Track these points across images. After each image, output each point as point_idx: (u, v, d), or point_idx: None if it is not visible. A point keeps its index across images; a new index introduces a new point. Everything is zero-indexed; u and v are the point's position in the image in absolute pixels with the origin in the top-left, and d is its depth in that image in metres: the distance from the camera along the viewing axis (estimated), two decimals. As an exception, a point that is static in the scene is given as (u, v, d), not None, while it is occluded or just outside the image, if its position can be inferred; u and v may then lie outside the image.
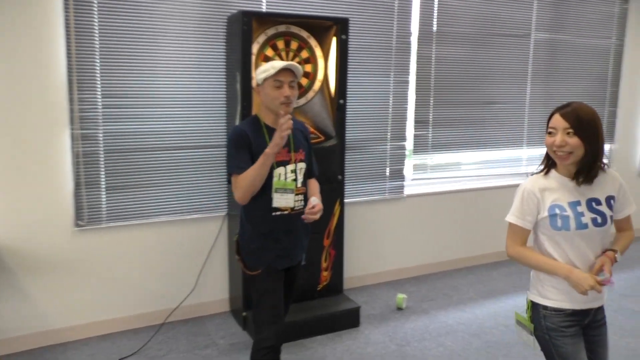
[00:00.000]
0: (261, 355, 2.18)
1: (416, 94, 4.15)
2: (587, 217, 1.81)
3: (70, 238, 3.15)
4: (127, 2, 3.10)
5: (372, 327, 3.44)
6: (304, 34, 3.29)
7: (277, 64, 2.18)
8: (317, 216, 2.23)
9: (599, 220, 1.83)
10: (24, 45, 2.89)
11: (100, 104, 3.11)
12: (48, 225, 3.08)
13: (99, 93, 3.10)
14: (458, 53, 4.26)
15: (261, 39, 3.17)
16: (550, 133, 1.82)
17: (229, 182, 2.25)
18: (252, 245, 2.27)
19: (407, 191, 4.23)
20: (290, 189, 2.24)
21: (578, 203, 1.83)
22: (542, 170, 1.92)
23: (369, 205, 4.08)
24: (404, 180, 4.19)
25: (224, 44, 3.38)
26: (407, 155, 4.20)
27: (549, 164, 1.90)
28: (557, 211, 1.82)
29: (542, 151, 4.88)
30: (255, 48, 3.14)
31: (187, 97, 3.34)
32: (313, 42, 3.33)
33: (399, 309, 3.72)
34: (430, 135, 4.26)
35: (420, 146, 4.24)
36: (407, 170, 4.23)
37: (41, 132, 3.00)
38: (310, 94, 3.38)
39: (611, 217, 1.87)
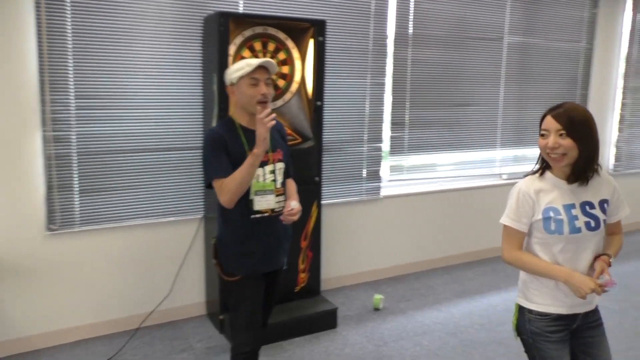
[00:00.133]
0: None
1: (392, 95, 4.18)
2: (581, 220, 1.78)
3: (42, 242, 3.08)
4: (101, 1, 3.04)
5: (349, 328, 3.45)
6: (281, 35, 3.29)
7: (253, 62, 2.13)
8: (296, 217, 2.19)
9: (592, 224, 1.80)
10: (-7, 44, 2.82)
11: (73, 105, 3.05)
12: (19, 229, 3.01)
13: (72, 94, 3.04)
14: (433, 56, 4.31)
15: (238, 40, 3.16)
16: (542, 135, 1.78)
17: (208, 187, 2.16)
18: (231, 249, 2.21)
19: (384, 192, 4.26)
20: (270, 190, 2.18)
21: (572, 206, 1.79)
22: (537, 172, 1.88)
23: (346, 207, 4.10)
24: (380, 182, 4.22)
25: (201, 45, 3.35)
26: (384, 157, 4.23)
27: (544, 165, 1.86)
28: (552, 214, 1.78)
29: (515, 152, 4.98)
30: (232, 49, 3.12)
31: (162, 99, 3.30)
32: (290, 43, 3.33)
33: (376, 309, 3.74)
34: (406, 136, 4.30)
35: (397, 147, 4.28)
36: (384, 171, 4.26)
37: (11, 133, 2.92)
38: (288, 96, 3.38)
39: (604, 221, 1.83)
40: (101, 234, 3.24)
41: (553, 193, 1.81)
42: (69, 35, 2.99)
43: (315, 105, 3.39)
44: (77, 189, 3.12)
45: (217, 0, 3.36)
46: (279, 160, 2.25)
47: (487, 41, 4.56)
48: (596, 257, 1.83)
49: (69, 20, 2.97)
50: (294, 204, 2.19)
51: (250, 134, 2.15)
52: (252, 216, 2.17)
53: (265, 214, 2.19)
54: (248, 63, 2.12)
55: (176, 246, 3.47)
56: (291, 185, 2.36)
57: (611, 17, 5.29)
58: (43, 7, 2.90)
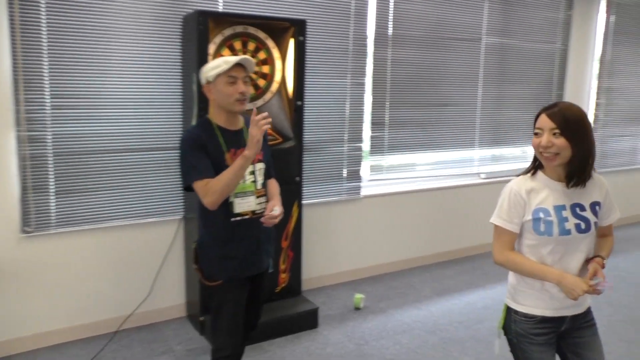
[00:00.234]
0: None
1: (372, 96, 4.20)
2: (571, 222, 1.75)
3: (16, 245, 3.01)
4: (76, -1, 2.99)
5: (330, 328, 3.46)
6: (262, 35, 3.27)
7: (230, 59, 2.07)
8: (277, 221, 2.15)
9: (583, 226, 1.76)
10: (-36, 42, 2.74)
11: (48, 104, 2.99)
12: (-8, 231, 2.94)
13: (48, 93, 2.98)
14: (413, 56, 4.34)
15: (218, 39, 3.13)
16: (536, 134, 1.76)
17: (186, 189, 2.12)
18: (212, 253, 2.16)
19: (364, 192, 4.28)
20: (250, 191, 2.14)
21: (563, 207, 1.76)
22: (528, 171, 1.85)
23: (327, 207, 4.10)
24: (360, 181, 4.24)
25: (180, 44, 3.31)
26: (364, 157, 4.24)
27: (536, 165, 1.83)
28: (541, 215, 1.76)
29: (492, 152, 5.05)
30: (211, 48, 3.10)
31: (141, 98, 3.25)
32: (270, 43, 3.32)
33: (357, 308, 3.76)
34: (386, 136, 4.32)
35: (377, 147, 4.30)
36: (364, 171, 4.27)
37: (-16, 133, 2.85)
38: (268, 96, 3.36)
39: (595, 223, 1.80)
40: (78, 236, 3.18)
41: (544, 193, 1.78)
42: (44, 33, 2.92)
43: (295, 105, 3.39)
44: (53, 190, 3.06)
45: (196, -1, 3.33)
46: (259, 161, 2.21)
47: (465, 42, 4.61)
48: (590, 259, 1.80)
49: (43, 17, 2.91)
50: (277, 209, 2.14)
51: (228, 135, 2.12)
52: (233, 219, 2.13)
53: (246, 217, 2.15)
54: (225, 60, 2.07)
55: (155, 247, 3.43)
56: (273, 186, 2.32)
57: (585, 19, 5.40)
58: (16, 4, 2.83)
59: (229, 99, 2.09)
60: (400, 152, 4.43)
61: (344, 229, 4.23)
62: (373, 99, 4.21)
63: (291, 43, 3.34)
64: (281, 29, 3.32)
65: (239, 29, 3.19)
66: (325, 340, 3.29)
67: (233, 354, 2.18)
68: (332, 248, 4.19)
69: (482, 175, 5.04)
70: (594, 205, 1.81)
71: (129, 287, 3.38)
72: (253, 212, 2.16)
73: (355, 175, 4.20)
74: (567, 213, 1.76)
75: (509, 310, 1.90)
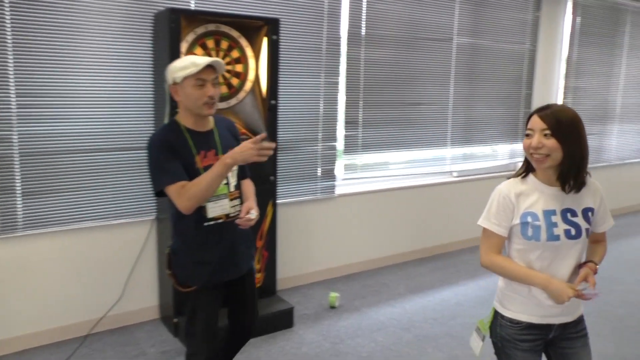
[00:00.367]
0: None
1: (346, 95, 4.21)
2: (560, 228, 1.70)
3: (-19, 248, 2.92)
4: (43, -5, 2.92)
5: (305, 327, 3.46)
6: (235, 33, 3.25)
7: (199, 61, 1.97)
8: (253, 223, 2.09)
9: (573, 232, 1.71)
10: None
11: (14, 103, 2.90)
12: (-44, 234, 2.85)
13: (13, 92, 2.89)
14: (386, 56, 4.37)
15: (190, 37, 3.09)
16: (527, 135, 1.71)
17: (158, 195, 2.02)
18: (185, 259, 2.09)
19: (338, 191, 4.29)
20: (224, 194, 2.07)
21: (553, 212, 1.71)
22: (519, 174, 1.80)
23: (301, 206, 4.10)
24: (335, 180, 4.25)
25: (151, 42, 3.26)
26: (338, 156, 4.25)
27: (528, 168, 1.78)
28: (529, 219, 1.71)
29: (464, 150, 5.12)
30: (184, 47, 3.06)
31: (111, 97, 3.19)
32: (244, 42, 3.29)
33: (332, 307, 3.77)
34: (360, 135, 4.34)
35: (351, 146, 4.31)
36: (338, 170, 4.29)
37: (-54, 133, 2.76)
38: (242, 95, 3.34)
39: (587, 230, 1.74)
40: (46, 238, 3.10)
41: (533, 197, 1.73)
42: (8, 30, 2.84)
43: (269, 104, 3.37)
44: (20, 191, 2.98)
45: (167, -3, 3.29)
46: None
47: (437, 42, 4.67)
48: (582, 264, 1.77)
49: (7, 14, 2.83)
50: (253, 213, 2.08)
51: (198, 136, 2.05)
52: (206, 224, 2.05)
53: (220, 220, 2.08)
54: (194, 63, 1.97)
55: (127, 249, 3.37)
56: (248, 186, 2.27)
57: (552, 20, 5.52)
58: (-20, 0, 2.75)
59: (196, 103, 2.00)
60: (374, 151, 4.46)
61: (319, 228, 4.24)
62: (347, 98, 4.22)
63: (264, 42, 3.32)
64: (254, 27, 3.31)
65: (212, 27, 3.16)
66: (300, 339, 3.29)
67: (208, 359, 2.15)
68: (307, 247, 4.19)
69: (454, 174, 5.11)
70: (587, 212, 1.75)
71: (100, 290, 3.31)
72: (227, 215, 2.09)
73: (329, 175, 4.21)
74: (556, 218, 1.71)
75: (496, 314, 1.87)
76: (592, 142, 6.13)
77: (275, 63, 3.35)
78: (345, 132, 4.26)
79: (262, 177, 3.38)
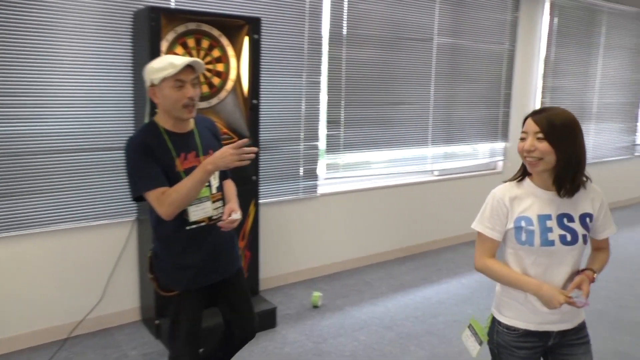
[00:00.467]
0: None
1: (328, 94, 4.22)
2: (555, 233, 1.67)
3: (-44, 251, 2.86)
4: (19, -7, 2.86)
5: (288, 327, 3.45)
6: (216, 32, 3.23)
7: (177, 61, 1.90)
8: (235, 225, 2.05)
9: (569, 238, 1.68)
10: None
11: (-11, 103, 2.85)
12: None
13: (-12, 91, 2.84)
14: (367, 55, 4.38)
15: (170, 36, 3.06)
16: (522, 138, 1.69)
17: (136, 200, 1.97)
18: (167, 263, 2.05)
19: (321, 190, 4.30)
20: (205, 197, 2.01)
21: (548, 217, 1.68)
22: (515, 178, 1.77)
23: (284, 205, 4.09)
24: (317, 180, 4.25)
25: (130, 40, 3.22)
26: (320, 155, 4.26)
27: (524, 171, 1.76)
28: (523, 224, 1.69)
29: (445, 150, 5.17)
30: (164, 46, 3.03)
31: (90, 97, 3.14)
32: (225, 41, 3.27)
33: (315, 307, 3.77)
34: (341, 135, 4.35)
35: (333, 146, 4.32)
36: (320, 169, 4.29)
37: None
38: (223, 94, 3.32)
39: (584, 236, 1.70)
40: (24, 240, 3.05)
41: (528, 201, 1.71)
42: (-16, 27, 2.78)
43: (251, 103, 3.36)
44: (-4, 192, 2.93)
45: (147, -5, 3.25)
46: None
47: (418, 42, 4.70)
48: (580, 272, 1.73)
49: (-17, 11, 2.77)
50: (236, 215, 2.03)
51: (177, 138, 2.00)
52: (188, 227, 2.00)
53: (202, 224, 2.03)
54: (172, 63, 1.90)
55: (107, 250, 3.33)
56: (230, 187, 2.23)
57: (531, 21, 5.60)
58: (-47, -3, 2.69)
59: (176, 105, 1.94)
60: (355, 150, 4.47)
61: (301, 228, 4.23)
62: (328, 97, 4.23)
63: (246, 41, 3.31)
64: (235, 26, 3.29)
65: (192, 26, 3.13)
66: (283, 339, 3.29)
67: None
68: (289, 247, 4.18)
69: (436, 173, 5.16)
70: (584, 217, 1.71)
71: (80, 292, 3.26)
72: (210, 218, 2.05)
73: (311, 174, 4.21)
74: (552, 223, 1.68)
75: (494, 320, 1.84)
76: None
77: (257, 62, 3.34)
78: (327, 131, 4.26)
79: (244, 177, 3.37)
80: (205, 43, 3.21)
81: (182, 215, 1.97)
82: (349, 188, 4.51)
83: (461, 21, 4.99)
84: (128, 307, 3.46)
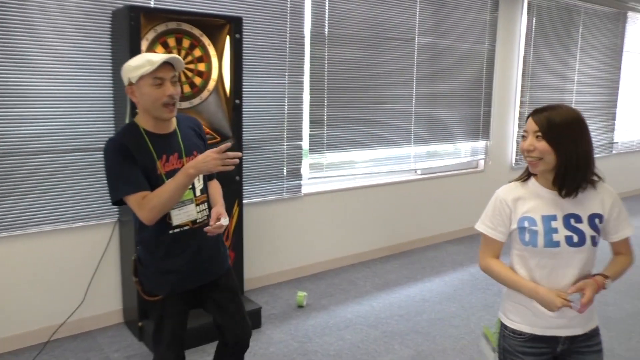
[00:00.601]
0: None
1: (310, 94, 4.22)
2: (561, 234, 1.61)
3: None
4: (-5, -9, 2.81)
5: (273, 327, 3.44)
6: (196, 32, 3.21)
7: (155, 58, 1.84)
8: (222, 230, 1.98)
9: (575, 239, 1.61)
10: None
11: (-35, 103, 2.79)
12: None
13: (-36, 91, 2.78)
14: (349, 55, 4.39)
15: (150, 35, 3.04)
16: (523, 137, 1.65)
17: (116, 203, 1.92)
18: (150, 268, 2.00)
19: (304, 190, 4.29)
20: (189, 200, 1.95)
21: (553, 218, 1.63)
22: (521, 178, 1.73)
23: (268, 205, 4.08)
24: (301, 179, 4.25)
25: (110, 40, 3.19)
26: (304, 155, 4.25)
27: (530, 171, 1.72)
28: (526, 224, 1.65)
29: (427, 149, 5.20)
30: (144, 45, 3.00)
31: (69, 97, 3.10)
32: (206, 40, 3.26)
33: (300, 306, 3.77)
34: (325, 134, 4.35)
35: (316, 145, 4.32)
36: (304, 169, 4.29)
37: None
38: (205, 94, 3.30)
39: (593, 237, 1.63)
40: (2, 243, 2.99)
41: (532, 202, 1.66)
42: (-41, 27, 2.73)
43: (233, 103, 3.34)
44: (-27, 195, 2.87)
45: (127, -6, 3.22)
46: None
47: (400, 41, 4.72)
48: (592, 276, 1.65)
49: (-42, 10, 2.72)
50: (224, 220, 1.96)
51: (158, 140, 1.94)
52: (171, 231, 1.95)
53: (186, 227, 1.97)
54: (149, 60, 1.83)
55: (89, 252, 3.28)
56: (216, 189, 2.16)
57: (510, 21, 5.67)
58: None
59: (155, 104, 1.87)
60: (339, 149, 4.48)
61: (286, 228, 4.23)
62: (311, 97, 4.23)
63: (227, 41, 3.29)
64: (217, 26, 3.27)
65: (173, 25, 3.11)
66: (268, 339, 3.28)
67: None
68: (273, 247, 4.17)
69: (418, 172, 5.19)
70: (593, 218, 1.65)
71: (61, 295, 3.21)
72: (193, 221, 1.98)
73: (295, 174, 4.20)
74: (557, 224, 1.63)
75: (501, 325, 1.79)
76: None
77: (239, 62, 3.33)
78: (311, 131, 4.26)
79: (228, 177, 3.35)
80: (186, 42, 3.18)
81: (165, 219, 1.92)
82: (332, 187, 4.52)
83: (442, 21, 5.03)
84: (110, 310, 3.41)
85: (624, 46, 7.12)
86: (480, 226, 1.75)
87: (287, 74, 4.01)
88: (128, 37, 2.91)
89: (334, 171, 4.55)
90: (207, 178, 2.14)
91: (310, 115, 4.24)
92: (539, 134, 1.60)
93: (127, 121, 3.01)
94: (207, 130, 3.27)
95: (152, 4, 3.32)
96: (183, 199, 1.92)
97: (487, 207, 1.75)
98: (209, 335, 3.18)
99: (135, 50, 2.92)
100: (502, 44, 5.63)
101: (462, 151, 5.56)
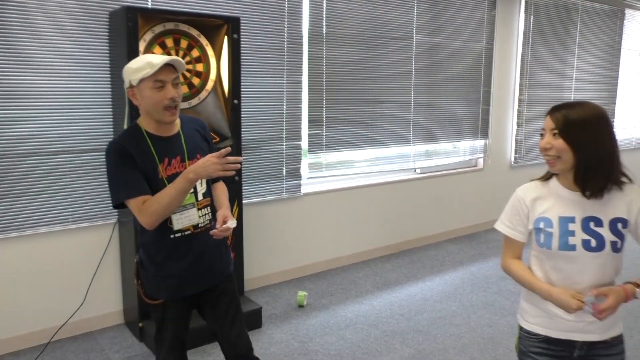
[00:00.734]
0: None
1: (309, 94, 4.22)
2: (578, 237, 1.55)
3: None
4: (-7, -7, 2.81)
5: (274, 327, 3.44)
6: (194, 32, 3.21)
7: (155, 60, 1.80)
8: (229, 233, 1.92)
9: (593, 243, 1.54)
10: None
11: (-36, 105, 2.79)
12: None
13: (-38, 93, 2.78)
14: (347, 54, 4.40)
15: (148, 36, 3.04)
16: (541, 135, 1.59)
17: (117, 207, 1.88)
18: (150, 272, 1.97)
19: (304, 190, 4.29)
20: (191, 204, 1.91)
21: (571, 220, 1.56)
22: (543, 177, 1.67)
23: (267, 206, 4.08)
24: (300, 179, 4.25)
25: (107, 41, 3.19)
26: (303, 155, 4.26)
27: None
28: (542, 225, 1.59)
29: (426, 147, 5.20)
30: (141, 46, 3.00)
31: (67, 98, 3.10)
32: (204, 40, 3.26)
33: (300, 306, 3.76)
34: (324, 134, 4.35)
35: (315, 145, 4.32)
36: (303, 169, 4.29)
37: None
38: (203, 94, 3.31)
39: (614, 243, 1.54)
40: (1, 245, 2.99)
41: (550, 202, 1.61)
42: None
43: (232, 103, 3.35)
44: (-28, 197, 2.87)
45: (124, -5, 3.22)
46: None
47: (398, 40, 4.73)
48: (623, 284, 1.56)
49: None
50: (231, 223, 1.90)
51: (161, 142, 1.90)
52: (172, 236, 1.91)
53: (187, 232, 1.93)
54: (150, 63, 1.79)
55: (89, 253, 3.29)
56: (221, 191, 2.11)
57: (507, 19, 5.67)
58: None
59: (156, 107, 1.83)
60: (338, 149, 4.48)
61: (285, 228, 4.23)
62: (310, 97, 4.23)
63: (225, 41, 3.29)
64: (214, 26, 3.27)
65: (170, 25, 3.11)
66: (269, 339, 3.28)
67: None
68: (273, 247, 4.17)
69: (418, 170, 5.19)
70: (615, 222, 1.56)
71: (61, 296, 3.21)
72: (195, 226, 1.94)
73: (295, 174, 4.20)
74: (575, 226, 1.56)
75: (518, 326, 1.76)
76: (548, 137, 6.29)
77: (237, 62, 3.33)
78: (310, 130, 4.26)
79: (227, 177, 3.35)
80: (184, 43, 3.19)
81: (166, 224, 1.88)
82: (332, 187, 4.52)
83: (439, 20, 5.03)
84: (111, 310, 3.41)
85: (622, 43, 7.13)
86: (499, 225, 1.71)
87: (285, 73, 4.01)
88: (126, 38, 2.91)
89: (333, 171, 4.55)
90: (212, 180, 2.10)
91: (309, 114, 4.24)
92: (556, 131, 1.53)
93: (125, 126, 3.01)
94: (206, 130, 3.27)
95: (149, 5, 3.33)
96: (185, 203, 1.89)
97: (507, 206, 1.70)
98: (209, 336, 3.18)
99: (133, 51, 2.92)
100: (500, 43, 5.63)
101: (461, 150, 5.56)
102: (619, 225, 1.56)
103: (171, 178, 1.86)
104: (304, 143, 4.26)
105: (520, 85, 5.90)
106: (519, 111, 5.95)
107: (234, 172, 1.81)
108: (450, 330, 3.42)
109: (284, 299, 3.89)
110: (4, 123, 2.92)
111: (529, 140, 6.12)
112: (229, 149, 1.81)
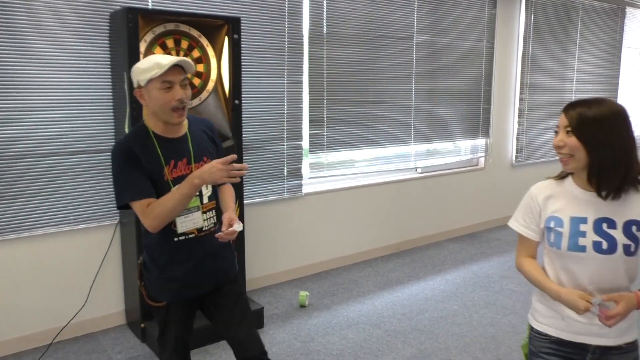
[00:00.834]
0: None
1: (310, 94, 4.22)
2: (589, 239, 1.51)
3: None
4: (-7, -5, 2.81)
5: (276, 327, 3.44)
6: (195, 32, 3.21)
7: (164, 61, 1.78)
8: (234, 236, 1.89)
9: (604, 246, 1.49)
10: None
11: (-35, 107, 2.80)
12: None
13: (-36, 95, 2.79)
14: (348, 54, 4.39)
15: (148, 37, 3.04)
16: (555, 132, 1.56)
17: (121, 208, 1.86)
18: (153, 274, 1.96)
19: (305, 190, 4.29)
20: (195, 207, 1.89)
21: (583, 220, 1.52)
22: (558, 175, 1.64)
23: (269, 206, 4.08)
24: (301, 179, 4.25)
25: (108, 42, 3.19)
26: (304, 154, 4.25)
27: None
28: (552, 224, 1.56)
29: (427, 147, 5.20)
30: (142, 47, 3.00)
31: (68, 99, 3.10)
32: (204, 41, 3.26)
33: (302, 306, 3.76)
34: (325, 134, 4.35)
35: (316, 145, 4.32)
36: (304, 169, 4.29)
37: None
38: (204, 95, 3.31)
39: (626, 246, 1.49)
40: (3, 246, 2.99)
41: (563, 201, 1.57)
42: (-42, 31, 2.73)
43: (233, 103, 3.35)
44: (-26, 198, 2.87)
45: (125, -4, 3.22)
46: None
47: (398, 40, 4.72)
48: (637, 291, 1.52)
49: (-43, 14, 2.72)
50: (238, 226, 1.87)
51: (168, 143, 1.88)
52: (176, 239, 1.90)
53: (191, 235, 1.91)
54: (158, 63, 1.77)
55: (91, 254, 3.29)
56: (227, 193, 2.08)
57: (508, 18, 5.67)
58: None
59: (164, 108, 1.81)
60: (339, 149, 4.48)
61: (287, 228, 4.23)
62: (310, 97, 4.23)
63: (226, 41, 3.29)
64: (215, 26, 3.27)
65: (171, 26, 3.11)
66: (271, 339, 3.28)
67: None
68: (275, 247, 4.17)
69: (419, 170, 5.19)
70: (630, 225, 1.51)
71: (63, 297, 3.22)
72: (199, 229, 1.93)
73: (296, 174, 4.20)
74: (586, 227, 1.52)
75: (529, 326, 1.73)
76: (548, 136, 6.29)
77: (238, 62, 3.33)
78: (310, 130, 4.26)
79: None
80: (184, 43, 3.19)
81: (170, 226, 1.87)
82: (333, 187, 4.52)
83: (440, 19, 5.03)
84: (113, 311, 3.42)
85: (622, 42, 7.11)
86: (512, 223, 1.69)
87: (286, 73, 4.01)
88: (126, 39, 2.91)
89: (334, 170, 4.55)
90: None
91: (309, 114, 4.24)
92: (569, 129, 1.49)
93: (126, 127, 3.02)
94: (207, 131, 3.27)
95: (149, 6, 3.33)
96: (189, 207, 1.87)
97: (520, 204, 1.67)
98: (212, 336, 3.19)
99: (133, 52, 2.92)
100: (501, 41, 5.63)
101: (462, 149, 5.56)
102: (634, 228, 1.51)
103: (177, 180, 1.85)
104: (305, 143, 4.26)
105: (521, 84, 5.90)
106: (519, 110, 5.95)
107: (239, 180, 1.80)
108: (452, 330, 3.42)
109: (285, 299, 3.89)
110: (5, 124, 2.92)
111: (530, 139, 6.12)
112: (234, 156, 1.79)
